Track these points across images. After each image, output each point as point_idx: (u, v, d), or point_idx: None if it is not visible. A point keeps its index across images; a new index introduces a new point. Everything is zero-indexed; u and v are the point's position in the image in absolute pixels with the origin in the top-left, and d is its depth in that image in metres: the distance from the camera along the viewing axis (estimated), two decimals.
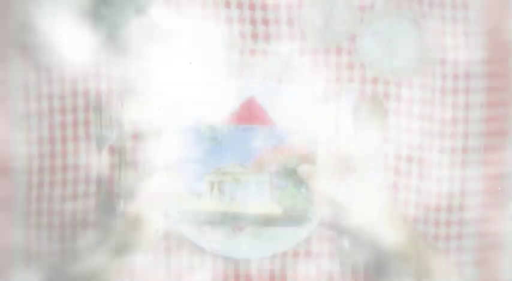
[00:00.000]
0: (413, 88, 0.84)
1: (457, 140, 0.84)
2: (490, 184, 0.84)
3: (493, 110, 0.84)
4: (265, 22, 0.84)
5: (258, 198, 0.73)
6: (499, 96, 0.84)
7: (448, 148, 0.84)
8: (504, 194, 0.84)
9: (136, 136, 0.83)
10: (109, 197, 0.83)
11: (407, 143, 0.84)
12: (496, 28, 0.84)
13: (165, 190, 0.72)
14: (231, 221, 0.74)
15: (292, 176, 0.72)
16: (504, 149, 0.84)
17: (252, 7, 0.84)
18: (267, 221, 0.73)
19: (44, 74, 0.84)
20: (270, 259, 0.83)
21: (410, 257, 0.72)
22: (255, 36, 0.84)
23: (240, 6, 0.84)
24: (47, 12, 0.80)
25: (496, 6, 0.84)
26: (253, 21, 0.84)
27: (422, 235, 0.80)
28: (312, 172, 0.71)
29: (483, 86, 0.84)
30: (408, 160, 0.83)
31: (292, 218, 0.73)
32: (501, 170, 0.84)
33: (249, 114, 0.82)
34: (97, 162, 0.84)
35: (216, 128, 0.72)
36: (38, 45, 0.84)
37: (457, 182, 0.84)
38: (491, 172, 0.84)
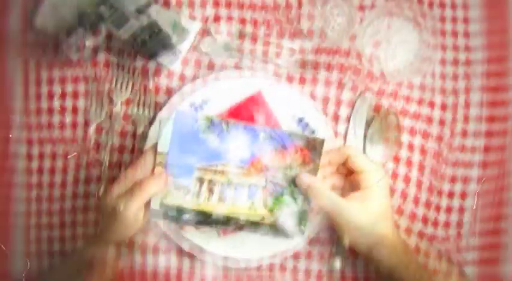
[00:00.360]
0: (413, 88, 0.84)
1: (456, 140, 0.84)
2: (490, 185, 0.83)
3: (493, 110, 0.84)
4: (266, 22, 0.85)
5: (249, 203, 0.67)
6: (499, 96, 0.84)
7: (448, 148, 0.84)
8: (505, 193, 0.83)
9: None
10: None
11: (408, 144, 0.83)
12: (495, 28, 0.85)
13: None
14: (216, 222, 0.68)
15: (290, 184, 0.67)
16: (504, 149, 0.83)
17: (253, 7, 0.85)
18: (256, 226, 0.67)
19: (44, 74, 0.84)
20: (270, 258, 0.82)
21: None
22: (255, 36, 0.84)
23: (240, 6, 0.85)
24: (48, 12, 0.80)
25: (496, 6, 0.85)
26: (254, 22, 0.85)
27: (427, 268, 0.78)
28: (312, 183, 0.68)
29: (483, 86, 0.84)
30: (408, 160, 0.83)
31: (283, 230, 0.68)
32: (501, 170, 0.83)
33: (252, 112, 0.80)
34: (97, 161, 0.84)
35: (215, 121, 0.67)
36: (38, 44, 0.85)
37: (458, 182, 0.83)
38: (491, 173, 0.83)
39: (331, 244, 0.79)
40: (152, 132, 0.77)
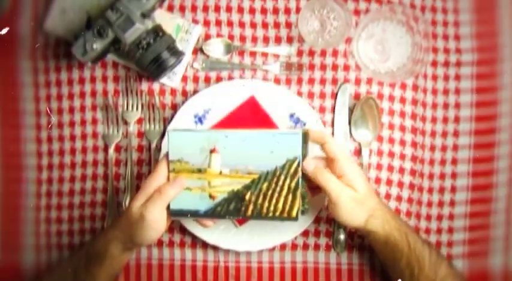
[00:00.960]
0: (406, 89, 0.85)
1: (448, 139, 0.86)
2: (480, 181, 0.86)
3: (483, 110, 0.85)
4: (265, 25, 0.86)
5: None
6: (489, 96, 0.85)
7: (439, 146, 0.86)
8: (493, 190, 0.86)
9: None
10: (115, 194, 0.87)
11: (400, 142, 0.86)
12: (485, 31, 0.85)
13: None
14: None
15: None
16: (494, 147, 0.85)
17: (252, 11, 0.86)
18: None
19: (53, 76, 0.87)
20: (269, 251, 0.86)
21: (402, 249, 0.75)
22: (254, 38, 0.86)
23: (240, 10, 0.86)
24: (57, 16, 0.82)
25: (485, 10, 0.85)
26: (253, 25, 0.86)
27: (413, 228, 0.82)
28: (317, 165, 0.71)
29: (472, 87, 0.85)
30: (401, 157, 0.86)
31: None
32: (492, 166, 0.85)
33: (248, 115, 0.84)
34: (103, 160, 0.87)
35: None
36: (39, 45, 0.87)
37: (448, 178, 0.86)
38: (482, 169, 0.86)
39: (334, 220, 0.85)
40: (164, 144, 0.84)
